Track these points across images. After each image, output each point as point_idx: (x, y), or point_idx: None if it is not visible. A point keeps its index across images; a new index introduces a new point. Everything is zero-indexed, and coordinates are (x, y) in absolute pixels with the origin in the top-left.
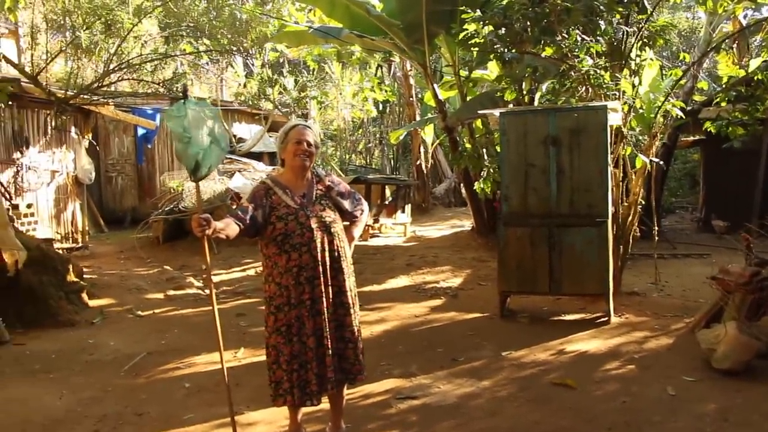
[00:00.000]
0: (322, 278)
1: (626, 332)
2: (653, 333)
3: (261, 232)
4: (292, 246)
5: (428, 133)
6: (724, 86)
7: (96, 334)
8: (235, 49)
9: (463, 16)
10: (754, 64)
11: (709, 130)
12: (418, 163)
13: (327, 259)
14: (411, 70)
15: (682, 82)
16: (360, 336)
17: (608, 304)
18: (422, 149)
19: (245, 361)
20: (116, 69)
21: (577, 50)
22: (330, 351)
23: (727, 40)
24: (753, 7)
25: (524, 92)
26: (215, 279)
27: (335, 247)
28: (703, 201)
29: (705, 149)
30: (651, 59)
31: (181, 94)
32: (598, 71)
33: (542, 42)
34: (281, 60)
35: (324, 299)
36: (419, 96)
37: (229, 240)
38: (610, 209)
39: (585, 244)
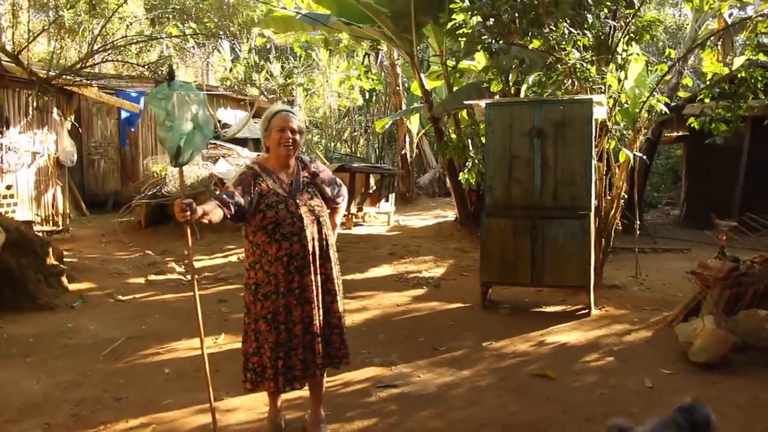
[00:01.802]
0: (311, 267)
1: (606, 325)
2: (632, 326)
3: (247, 218)
4: (283, 235)
5: (414, 123)
6: (708, 83)
7: (75, 318)
8: (221, 32)
9: (452, 5)
10: (738, 62)
11: (692, 126)
12: (403, 152)
13: (316, 248)
14: (398, 59)
15: (668, 78)
16: (344, 321)
17: (589, 296)
18: (407, 139)
19: (225, 348)
20: (100, 50)
21: (564, 43)
22: (319, 338)
23: (712, 38)
24: (738, 5)
25: (510, 84)
26: (197, 265)
27: (323, 236)
28: (685, 197)
29: (688, 145)
30: (637, 54)
31: (166, 76)
32: (585, 65)
33: (530, 34)
34: (268, 46)
35: (313, 288)
36: (406, 85)
37: (213, 225)
38: (593, 202)
39: (567, 236)
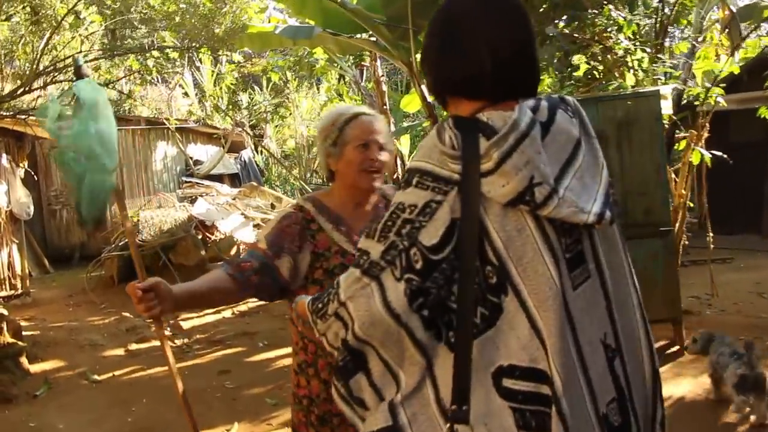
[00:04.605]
0: None
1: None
2: None
3: (291, 292)
4: None
5: (405, 144)
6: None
7: (39, 412)
8: (196, 45)
9: None
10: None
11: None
12: (395, 176)
13: None
14: (383, 75)
15: (678, 72)
16: None
17: (680, 331)
18: (398, 161)
19: None
20: (47, 71)
21: (610, 30)
22: None
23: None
24: None
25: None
26: (184, 325)
27: None
28: (707, 200)
29: (707, 145)
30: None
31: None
32: (640, 51)
33: (572, 18)
34: (236, 75)
35: None
36: (391, 104)
37: (213, 307)
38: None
39: (648, 258)
